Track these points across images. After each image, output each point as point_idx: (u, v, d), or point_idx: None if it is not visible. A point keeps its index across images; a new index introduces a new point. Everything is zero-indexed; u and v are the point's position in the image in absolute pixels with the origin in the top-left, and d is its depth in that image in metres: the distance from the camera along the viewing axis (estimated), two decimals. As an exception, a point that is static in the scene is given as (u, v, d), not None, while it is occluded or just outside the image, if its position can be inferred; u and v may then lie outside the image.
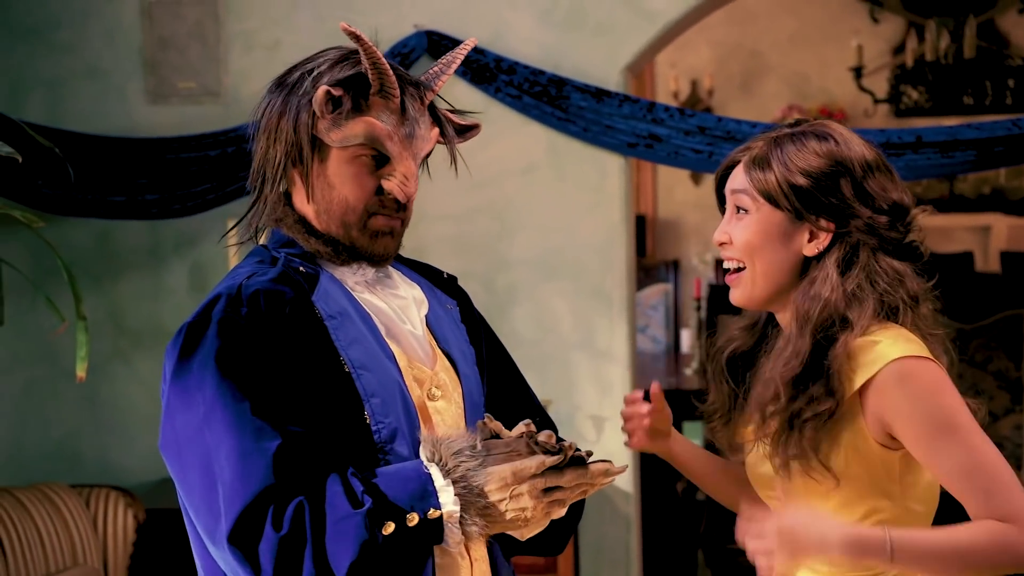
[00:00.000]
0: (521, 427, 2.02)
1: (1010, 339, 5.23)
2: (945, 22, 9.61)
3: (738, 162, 2.30)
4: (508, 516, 1.99)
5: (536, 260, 4.53)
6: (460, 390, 2.22)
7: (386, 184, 2.12)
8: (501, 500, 1.97)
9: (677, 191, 10.02)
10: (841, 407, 2.16)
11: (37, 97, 4.61)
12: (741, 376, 2.38)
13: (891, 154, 4.24)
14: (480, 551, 2.18)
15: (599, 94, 4.40)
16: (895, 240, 2.23)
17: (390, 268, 2.24)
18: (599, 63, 4.50)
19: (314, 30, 4.57)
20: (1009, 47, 9.77)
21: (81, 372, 3.57)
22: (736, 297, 2.30)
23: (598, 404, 4.50)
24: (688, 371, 6.82)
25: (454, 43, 4.41)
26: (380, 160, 2.12)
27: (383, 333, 2.14)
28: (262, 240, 2.21)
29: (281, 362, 2.00)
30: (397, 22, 4.52)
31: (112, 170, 4.42)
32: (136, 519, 4.07)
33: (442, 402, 2.18)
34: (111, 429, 4.64)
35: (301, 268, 2.10)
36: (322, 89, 2.07)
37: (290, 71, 2.16)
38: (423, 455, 2.01)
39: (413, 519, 1.93)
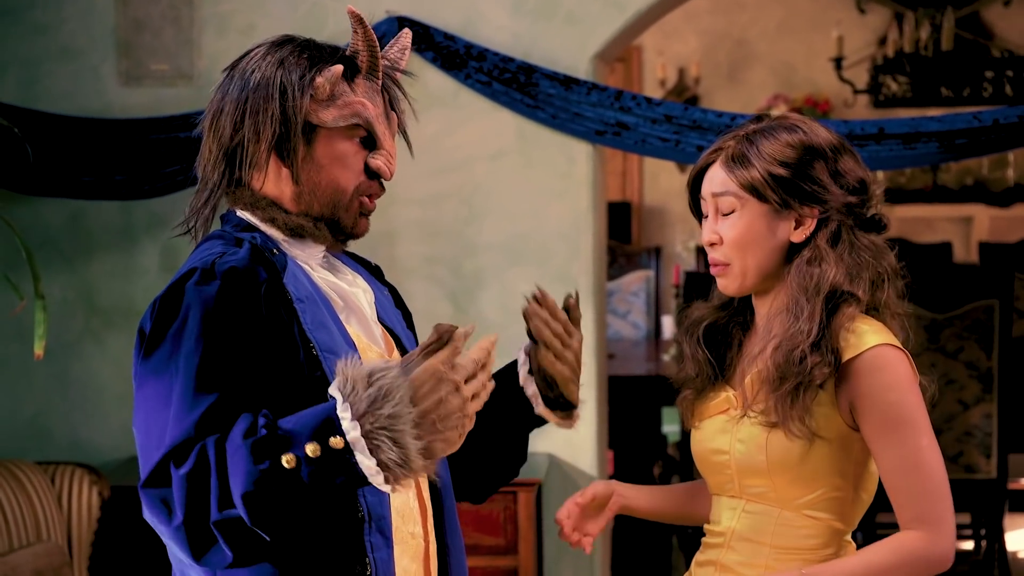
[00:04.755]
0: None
1: (982, 329, 5.27)
2: (929, 13, 9.64)
3: (711, 164, 2.39)
4: (450, 415, 1.90)
5: (503, 245, 4.57)
6: None
7: (373, 162, 2.17)
8: (439, 400, 1.90)
9: (662, 178, 10.07)
10: (837, 371, 2.27)
11: (10, 77, 4.63)
12: (715, 346, 2.48)
13: (855, 145, 4.26)
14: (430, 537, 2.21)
15: (568, 82, 4.44)
16: (864, 215, 2.35)
17: (332, 256, 2.27)
18: (569, 51, 4.53)
19: (288, 14, 4.59)
20: (993, 39, 9.80)
21: (39, 350, 3.61)
22: (726, 287, 2.40)
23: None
24: (667, 357, 6.86)
25: (425, 29, 4.45)
26: (367, 140, 2.17)
27: (342, 317, 2.17)
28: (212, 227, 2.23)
29: (249, 340, 2.02)
30: (370, 7, 4.40)
31: (84, 151, 4.45)
32: (101, 496, 4.11)
33: None
34: (81, 407, 4.68)
35: (275, 250, 2.12)
36: (338, 67, 2.12)
37: (245, 60, 2.18)
38: (333, 385, 1.92)
39: (314, 450, 1.86)
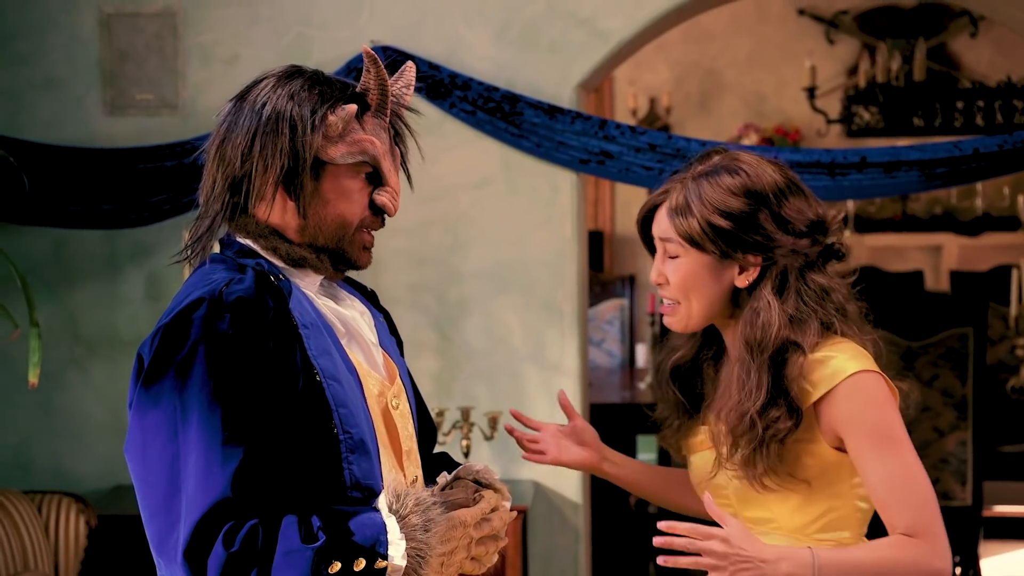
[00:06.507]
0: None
1: (957, 357, 5.30)
2: (898, 44, 9.75)
3: (658, 205, 2.39)
4: (453, 564, 2.08)
5: (488, 273, 4.59)
6: (406, 399, 2.29)
7: (379, 199, 2.17)
8: (454, 548, 2.07)
9: (634, 208, 10.04)
10: (801, 422, 2.27)
11: (-5, 107, 4.64)
12: (686, 384, 2.50)
13: (837, 173, 4.33)
14: None
15: (552, 111, 4.47)
16: (817, 252, 2.34)
17: (328, 282, 2.27)
18: (552, 80, 4.57)
19: (272, 44, 4.61)
20: (960, 70, 9.91)
21: (33, 378, 3.60)
22: (672, 324, 2.41)
23: (548, 416, 4.55)
24: (642, 385, 6.89)
25: (410, 59, 4.46)
26: (373, 176, 2.17)
27: (344, 343, 2.18)
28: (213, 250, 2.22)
29: (259, 372, 2.02)
30: (354, 37, 4.58)
31: (69, 180, 4.45)
32: (88, 525, 4.10)
33: (400, 410, 2.23)
34: (65, 436, 4.67)
35: (281, 277, 2.12)
36: (352, 107, 2.12)
37: (254, 91, 2.16)
38: (383, 504, 2.05)
39: (360, 564, 1.97)
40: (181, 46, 4.65)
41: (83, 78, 4.66)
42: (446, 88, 4.49)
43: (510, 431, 2.59)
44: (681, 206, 2.32)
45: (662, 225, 2.36)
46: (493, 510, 2.15)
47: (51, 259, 4.65)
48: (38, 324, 3.63)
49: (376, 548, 1.98)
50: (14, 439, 4.68)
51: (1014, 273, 6.45)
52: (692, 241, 2.31)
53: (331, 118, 2.11)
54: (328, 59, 4.49)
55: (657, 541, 2.19)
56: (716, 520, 2.22)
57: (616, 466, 2.61)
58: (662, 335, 5.19)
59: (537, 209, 4.58)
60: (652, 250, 2.43)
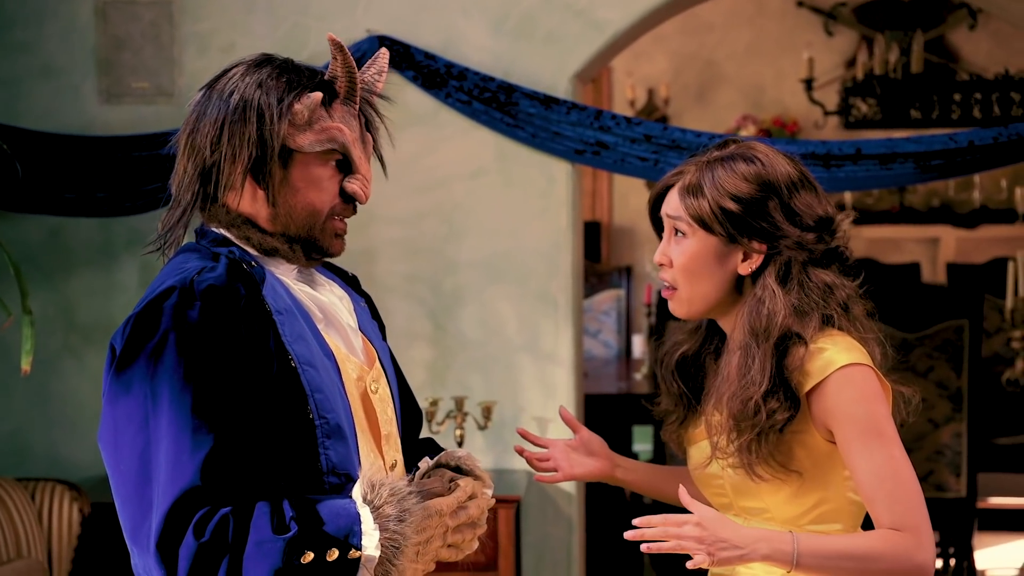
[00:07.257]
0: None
1: (952, 348, 5.31)
2: (896, 36, 9.75)
3: (671, 186, 2.41)
4: (429, 552, 2.09)
5: (483, 263, 4.59)
6: (386, 383, 2.29)
7: (349, 186, 2.17)
8: (430, 537, 2.07)
9: (632, 198, 10.11)
10: (799, 411, 2.29)
11: (-9, 95, 4.65)
12: (689, 377, 2.51)
13: (832, 165, 4.33)
14: None
15: (547, 101, 4.47)
16: (822, 250, 2.36)
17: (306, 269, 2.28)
18: (549, 71, 4.57)
19: (268, 34, 4.61)
20: (958, 62, 9.91)
21: (26, 366, 3.61)
22: (674, 310, 2.43)
23: (542, 406, 4.57)
24: (638, 376, 6.90)
25: (406, 48, 4.47)
26: (343, 164, 2.17)
27: (321, 328, 2.18)
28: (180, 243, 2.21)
29: (230, 359, 2.02)
30: (350, 27, 4.58)
31: (65, 168, 4.45)
32: (81, 512, 4.10)
33: (380, 395, 2.24)
34: (60, 424, 4.67)
35: (253, 264, 2.12)
36: (317, 95, 2.12)
37: (223, 79, 2.16)
38: (358, 494, 2.04)
39: (333, 554, 1.96)
40: (177, 34, 4.65)
41: (79, 66, 4.66)
42: (441, 78, 4.49)
43: (520, 451, 2.59)
44: (693, 186, 2.35)
45: (672, 204, 2.39)
46: (471, 497, 2.16)
47: (46, 247, 4.66)
48: (31, 312, 3.64)
49: (349, 539, 1.98)
50: (8, 426, 4.68)
51: (1010, 265, 6.45)
52: (701, 222, 2.34)
53: (296, 106, 2.12)
54: (325, 49, 4.48)
55: (628, 535, 2.22)
56: (688, 508, 2.24)
57: (629, 472, 2.63)
58: (658, 326, 5.20)
59: (532, 199, 4.59)
60: (660, 231, 2.45)
